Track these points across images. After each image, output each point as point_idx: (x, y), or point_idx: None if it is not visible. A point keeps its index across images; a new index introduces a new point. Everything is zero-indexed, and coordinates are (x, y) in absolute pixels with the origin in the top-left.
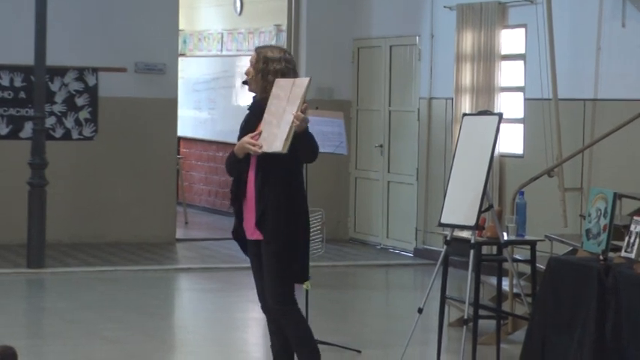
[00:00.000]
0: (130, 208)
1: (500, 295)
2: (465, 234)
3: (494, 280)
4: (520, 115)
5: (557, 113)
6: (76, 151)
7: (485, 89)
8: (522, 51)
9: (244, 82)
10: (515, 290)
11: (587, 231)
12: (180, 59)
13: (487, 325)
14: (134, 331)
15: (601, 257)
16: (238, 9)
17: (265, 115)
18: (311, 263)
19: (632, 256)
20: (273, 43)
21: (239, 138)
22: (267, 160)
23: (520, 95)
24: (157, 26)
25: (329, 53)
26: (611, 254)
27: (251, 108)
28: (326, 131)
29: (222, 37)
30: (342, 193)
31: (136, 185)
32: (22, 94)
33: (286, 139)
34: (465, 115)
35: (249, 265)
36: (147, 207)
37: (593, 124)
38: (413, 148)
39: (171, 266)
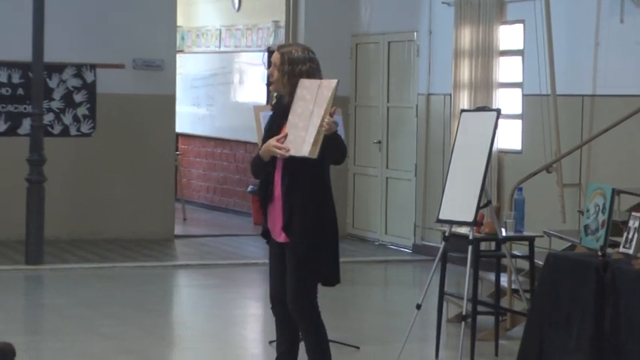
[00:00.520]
0: (129, 204)
1: (498, 291)
2: (464, 230)
3: (492, 276)
4: (518, 110)
5: (555, 109)
6: (74, 148)
7: (484, 85)
8: (520, 47)
9: (269, 84)
10: (513, 286)
11: (586, 227)
12: (179, 56)
13: (485, 321)
14: (132, 328)
15: (599, 253)
16: (236, 5)
17: (290, 117)
18: None
19: (631, 251)
20: (271, 39)
21: (264, 139)
22: (294, 163)
23: (518, 91)
24: (155, 22)
25: (327, 49)
26: (609, 250)
27: (275, 108)
28: None
29: (220, 33)
30: (340, 189)
31: (134, 182)
32: (20, 91)
33: (315, 144)
34: (463, 111)
35: (247, 261)
36: (145, 203)
37: (592, 120)
38: (411, 144)
39: (169, 263)
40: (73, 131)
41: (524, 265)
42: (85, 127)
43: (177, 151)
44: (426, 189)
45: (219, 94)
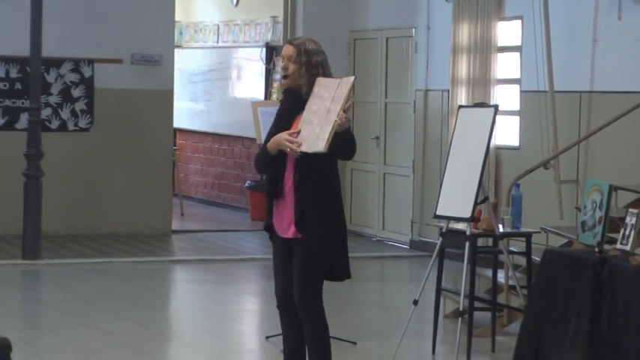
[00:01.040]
0: (126, 199)
1: (495, 287)
2: (461, 226)
3: (489, 272)
4: (516, 107)
5: (553, 105)
6: (71, 143)
7: (482, 81)
8: (518, 43)
9: (284, 77)
10: (510, 282)
11: (583, 223)
12: (177, 51)
13: (482, 317)
14: (130, 323)
15: (596, 249)
16: (234, 0)
17: (305, 114)
18: None
19: (628, 248)
20: (269, 35)
21: (270, 134)
22: (306, 159)
23: (516, 87)
24: (153, 18)
25: (325, 45)
26: (606, 246)
27: (284, 102)
28: None
29: (218, 28)
30: None
31: (131, 177)
32: (18, 86)
33: (327, 139)
34: (460, 107)
35: (244, 257)
36: (142, 198)
37: (589, 117)
38: (409, 140)
39: (166, 258)
40: (70, 126)
41: (522, 261)
42: (82, 122)
43: (175, 146)
44: (423, 185)
45: (217, 90)
